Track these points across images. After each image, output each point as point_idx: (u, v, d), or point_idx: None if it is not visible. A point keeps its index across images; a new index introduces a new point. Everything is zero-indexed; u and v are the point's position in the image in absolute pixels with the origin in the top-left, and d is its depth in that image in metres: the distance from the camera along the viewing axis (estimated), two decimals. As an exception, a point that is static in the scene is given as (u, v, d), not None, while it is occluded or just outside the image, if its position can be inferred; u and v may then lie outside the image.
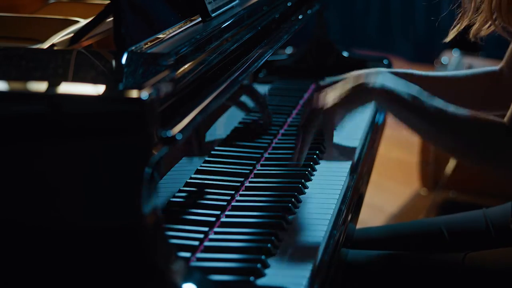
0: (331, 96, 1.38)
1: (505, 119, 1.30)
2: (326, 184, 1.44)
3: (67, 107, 1.02)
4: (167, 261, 1.03)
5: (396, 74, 1.59)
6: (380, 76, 1.37)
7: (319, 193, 1.41)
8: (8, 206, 1.04)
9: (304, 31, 2.10)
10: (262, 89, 1.95)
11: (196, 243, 1.19)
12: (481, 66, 2.84)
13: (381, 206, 3.08)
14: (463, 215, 1.59)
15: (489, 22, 1.46)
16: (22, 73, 1.16)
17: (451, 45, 3.03)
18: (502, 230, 1.51)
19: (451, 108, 1.32)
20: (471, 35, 1.53)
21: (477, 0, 1.46)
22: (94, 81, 1.13)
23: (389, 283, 1.40)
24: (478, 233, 1.53)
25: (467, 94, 1.64)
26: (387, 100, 1.34)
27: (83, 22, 1.44)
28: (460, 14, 1.52)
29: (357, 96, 1.36)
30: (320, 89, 1.50)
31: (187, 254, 1.16)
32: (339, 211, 1.37)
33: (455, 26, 1.54)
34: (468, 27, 1.52)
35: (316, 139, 1.67)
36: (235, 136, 1.67)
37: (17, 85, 1.08)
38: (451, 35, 1.56)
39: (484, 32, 1.50)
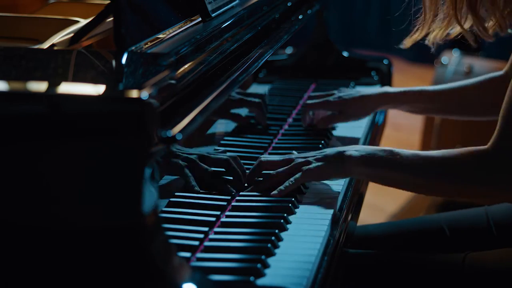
0: (311, 160, 1.39)
1: (489, 144, 1.31)
2: (326, 184, 1.44)
3: (67, 107, 1.02)
4: (167, 261, 1.03)
5: (404, 93, 1.67)
6: (355, 148, 1.39)
7: (319, 193, 1.41)
8: (9, 206, 1.04)
9: (304, 31, 2.10)
10: (262, 89, 1.95)
11: (196, 243, 1.19)
12: (481, 66, 2.85)
13: (381, 206, 3.08)
14: (465, 212, 1.59)
15: (450, 27, 1.48)
16: (22, 73, 1.16)
17: (451, 45, 3.02)
18: (503, 228, 1.51)
19: (424, 152, 1.35)
20: (430, 42, 1.56)
21: (437, 8, 1.47)
22: (94, 81, 1.14)
23: (389, 283, 1.40)
24: (479, 231, 1.53)
25: (476, 102, 1.69)
26: (365, 164, 1.36)
27: (83, 22, 1.44)
28: (420, 24, 1.55)
29: (334, 167, 1.38)
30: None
31: (187, 254, 1.16)
32: (339, 211, 1.37)
33: (412, 35, 1.56)
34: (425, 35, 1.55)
35: (317, 137, 1.68)
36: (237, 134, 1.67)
37: (17, 85, 1.08)
38: (409, 43, 1.60)
39: (440, 36, 1.53)
